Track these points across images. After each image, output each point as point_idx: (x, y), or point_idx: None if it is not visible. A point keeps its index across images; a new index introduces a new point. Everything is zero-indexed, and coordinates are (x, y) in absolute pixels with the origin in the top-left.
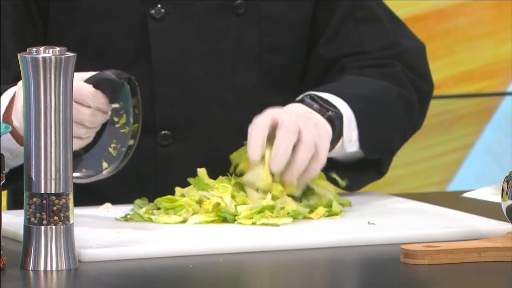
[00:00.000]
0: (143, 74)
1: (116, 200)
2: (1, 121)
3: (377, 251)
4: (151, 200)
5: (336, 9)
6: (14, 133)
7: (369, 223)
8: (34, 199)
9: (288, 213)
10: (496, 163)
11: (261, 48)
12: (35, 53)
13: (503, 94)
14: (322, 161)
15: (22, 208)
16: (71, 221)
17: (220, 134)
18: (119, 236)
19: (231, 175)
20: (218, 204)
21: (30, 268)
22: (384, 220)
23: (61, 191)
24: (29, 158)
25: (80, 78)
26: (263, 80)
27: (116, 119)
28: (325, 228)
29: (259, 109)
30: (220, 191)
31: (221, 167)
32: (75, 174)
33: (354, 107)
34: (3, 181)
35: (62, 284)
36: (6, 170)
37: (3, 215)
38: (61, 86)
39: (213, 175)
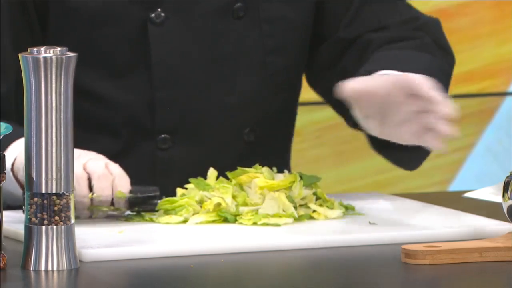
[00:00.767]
0: (143, 78)
1: None
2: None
3: (378, 251)
4: None
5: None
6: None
7: (370, 223)
8: (35, 199)
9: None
10: (497, 163)
11: (263, 51)
12: (36, 53)
13: (504, 94)
14: None
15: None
16: (72, 221)
17: (220, 137)
18: (120, 236)
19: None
20: (219, 204)
21: (31, 268)
22: (385, 220)
23: (62, 191)
24: (30, 158)
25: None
26: (266, 83)
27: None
28: (326, 228)
29: (261, 112)
30: (221, 191)
31: (221, 171)
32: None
33: None
34: (4, 180)
35: (63, 284)
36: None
37: (4, 214)
38: (62, 86)
39: None
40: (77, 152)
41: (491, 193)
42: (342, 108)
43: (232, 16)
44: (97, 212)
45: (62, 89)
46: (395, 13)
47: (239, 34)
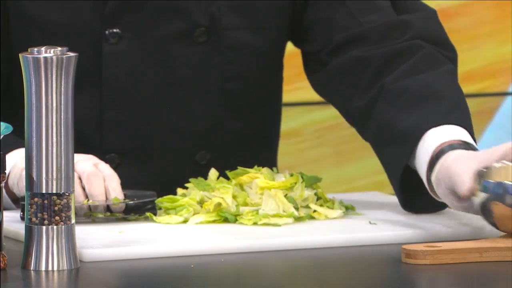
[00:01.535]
0: (93, 96)
1: None
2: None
3: (378, 251)
4: None
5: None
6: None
7: (370, 223)
8: (36, 199)
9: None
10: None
11: (223, 77)
12: (36, 53)
13: (504, 94)
14: None
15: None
16: (73, 221)
17: (169, 159)
18: (121, 236)
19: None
20: (219, 204)
21: (32, 268)
22: (385, 220)
23: (62, 191)
24: (30, 158)
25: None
26: (223, 108)
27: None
28: (326, 228)
29: (217, 136)
30: (221, 191)
31: (167, 193)
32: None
33: (467, 128)
34: (4, 181)
35: (64, 284)
36: None
37: (4, 214)
38: (63, 86)
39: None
40: None
41: None
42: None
43: (193, 40)
44: (93, 219)
45: (62, 89)
46: (377, 16)
47: (199, 59)
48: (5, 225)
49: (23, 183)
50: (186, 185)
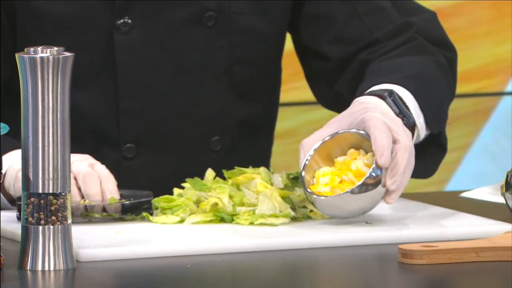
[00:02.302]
0: (108, 87)
1: None
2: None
3: (374, 251)
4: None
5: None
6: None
7: (366, 222)
8: (32, 199)
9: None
10: (494, 163)
11: (231, 61)
12: (32, 53)
13: (501, 94)
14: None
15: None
16: (69, 221)
17: (185, 147)
18: (117, 236)
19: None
20: (216, 204)
21: (28, 268)
22: (382, 220)
23: (59, 191)
24: (26, 158)
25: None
26: (231, 92)
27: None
28: (323, 228)
29: (227, 121)
30: (218, 191)
31: (185, 180)
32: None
33: (410, 89)
34: (2, 180)
35: (60, 284)
36: None
37: (1, 214)
38: (59, 86)
39: (177, 187)
40: None
41: (488, 193)
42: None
43: (202, 25)
44: (90, 219)
45: (59, 89)
46: (386, 22)
47: (207, 43)
48: (2, 225)
49: (19, 184)
50: (183, 184)
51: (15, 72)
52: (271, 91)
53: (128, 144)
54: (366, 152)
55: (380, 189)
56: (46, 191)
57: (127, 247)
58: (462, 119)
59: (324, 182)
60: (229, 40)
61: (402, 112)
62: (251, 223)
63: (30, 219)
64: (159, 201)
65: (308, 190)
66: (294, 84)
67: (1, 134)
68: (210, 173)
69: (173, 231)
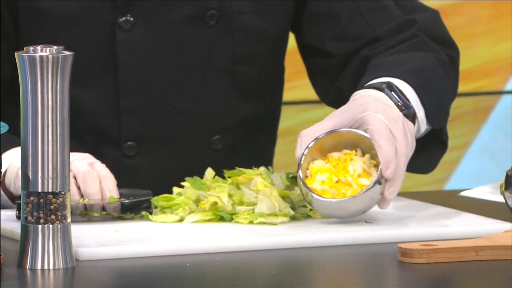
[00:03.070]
0: (109, 85)
1: None
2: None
3: (374, 250)
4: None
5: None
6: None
7: (366, 221)
8: (31, 198)
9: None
10: (493, 161)
11: (232, 59)
12: (32, 52)
13: (500, 92)
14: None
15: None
16: (68, 220)
17: (186, 145)
18: (116, 235)
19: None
20: (215, 203)
21: (27, 267)
22: (381, 219)
23: (58, 190)
24: (26, 157)
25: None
26: (233, 91)
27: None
28: (322, 227)
29: (229, 120)
30: (217, 190)
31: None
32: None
33: (411, 83)
34: (2, 178)
35: (59, 283)
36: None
37: (0, 213)
38: (58, 85)
39: (177, 186)
40: None
41: (487, 192)
42: None
43: (204, 23)
44: (89, 218)
45: (58, 87)
46: (388, 20)
47: (209, 42)
48: (2, 224)
49: (19, 182)
50: (182, 183)
51: (17, 70)
52: (274, 90)
53: (129, 142)
54: (363, 153)
55: (378, 189)
56: (46, 190)
57: (127, 246)
58: (462, 118)
59: (321, 179)
60: (231, 39)
61: (402, 101)
62: (251, 222)
63: (29, 218)
64: (159, 200)
65: (309, 190)
66: (294, 83)
67: (1, 133)
68: (209, 172)
69: (173, 230)
